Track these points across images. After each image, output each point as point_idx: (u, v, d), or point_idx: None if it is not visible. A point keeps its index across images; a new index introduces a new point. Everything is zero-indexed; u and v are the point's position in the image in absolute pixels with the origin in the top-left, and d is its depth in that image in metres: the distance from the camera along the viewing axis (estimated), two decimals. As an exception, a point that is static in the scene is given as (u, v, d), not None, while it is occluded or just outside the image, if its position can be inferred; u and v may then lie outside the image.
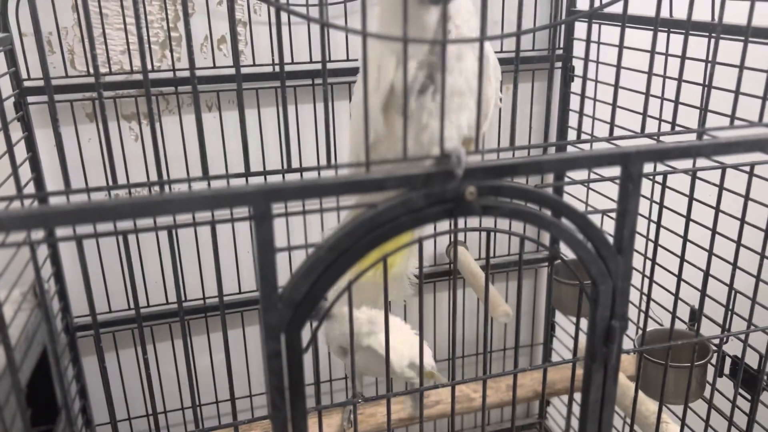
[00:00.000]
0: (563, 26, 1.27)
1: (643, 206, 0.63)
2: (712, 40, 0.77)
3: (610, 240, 0.61)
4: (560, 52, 1.27)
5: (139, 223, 0.53)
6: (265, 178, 0.52)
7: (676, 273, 0.87)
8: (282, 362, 0.56)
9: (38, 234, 0.56)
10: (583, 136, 1.18)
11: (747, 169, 0.78)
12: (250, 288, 1.28)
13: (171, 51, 1.12)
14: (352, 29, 0.51)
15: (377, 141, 0.67)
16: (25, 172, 1.03)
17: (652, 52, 0.77)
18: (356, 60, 1.17)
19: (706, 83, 0.78)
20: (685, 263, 0.85)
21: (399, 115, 0.64)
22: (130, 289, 1.11)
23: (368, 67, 0.53)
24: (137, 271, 1.16)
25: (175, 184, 0.96)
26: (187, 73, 1.12)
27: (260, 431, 1.00)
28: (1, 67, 0.99)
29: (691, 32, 0.79)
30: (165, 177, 1.08)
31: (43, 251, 1.09)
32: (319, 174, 0.61)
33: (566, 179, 1.12)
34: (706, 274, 0.87)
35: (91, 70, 1.08)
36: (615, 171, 0.59)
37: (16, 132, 1.01)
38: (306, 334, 0.55)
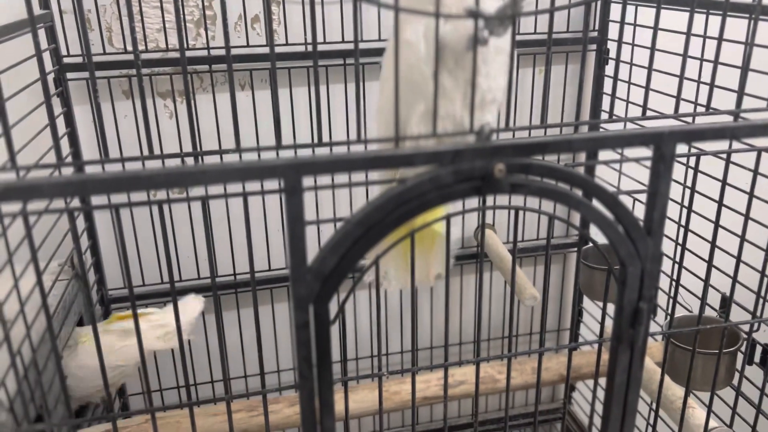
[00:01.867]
0: (598, 8, 1.25)
1: (674, 190, 0.62)
2: (751, 22, 0.75)
3: (640, 221, 0.61)
4: (595, 34, 1.25)
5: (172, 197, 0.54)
6: (296, 153, 0.53)
7: (707, 259, 0.86)
8: (310, 333, 0.57)
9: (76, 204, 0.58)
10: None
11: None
12: (279, 265, 1.30)
13: (206, 29, 1.13)
14: (384, 3, 0.52)
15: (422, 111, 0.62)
16: (64, 148, 1.06)
17: (688, 33, 0.76)
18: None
19: (743, 66, 0.77)
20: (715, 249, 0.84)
21: (449, 72, 0.59)
22: (164, 261, 1.13)
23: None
24: (170, 246, 1.19)
25: (208, 156, 0.97)
26: (220, 52, 1.13)
27: (287, 404, 1.02)
28: (42, 43, 1.01)
29: (729, 14, 0.77)
30: (198, 141, 1.10)
31: (79, 225, 1.12)
32: (348, 149, 0.61)
33: (597, 160, 1.11)
34: (738, 260, 0.86)
35: (129, 48, 1.11)
36: (646, 152, 0.59)
37: (56, 108, 1.04)
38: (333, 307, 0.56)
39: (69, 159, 1.06)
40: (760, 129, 0.59)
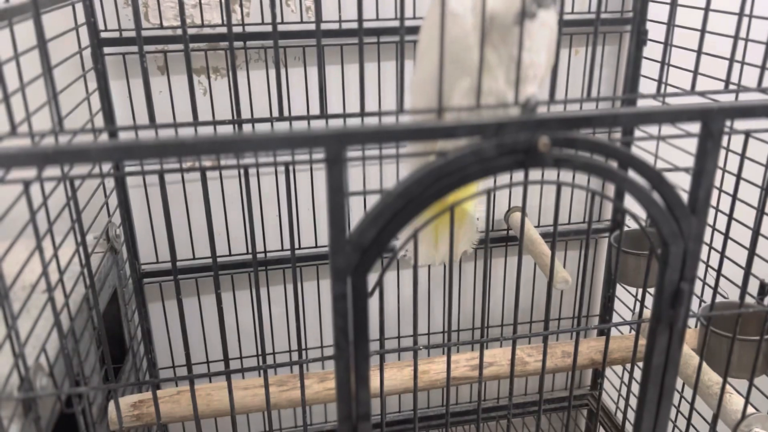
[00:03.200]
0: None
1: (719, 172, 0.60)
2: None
3: (684, 199, 0.60)
4: (631, 14, 1.23)
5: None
6: (345, 121, 0.53)
7: (748, 246, 0.84)
8: (347, 305, 0.57)
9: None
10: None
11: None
12: (326, 242, 1.30)
13: (241, 6, 1.13)
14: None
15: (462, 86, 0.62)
16: (100, 123, 1.07)
17: (740, 14, 0.74)
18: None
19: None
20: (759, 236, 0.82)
21: (494, 47, 0.59)
22: (197, 236, 1.13)
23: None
24: (207, 221, 1.20)
25: (250, 124, 0.96)
26: (255, 29, 1.13)
27: (317, 379, 1.03)
28: (79, 17, 1.02)
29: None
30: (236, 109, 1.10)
31: (111, 201, 1.13)
32: (397, 119, 0.60)
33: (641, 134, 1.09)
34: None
35: (165, 23, 1.11)
36: (694, 127, 0.57)
37: (92, 83, 1.05)
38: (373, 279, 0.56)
39: (105, 134, 1.08)
40: (813, 106, 0.57)
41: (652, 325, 0.65)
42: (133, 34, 1.10)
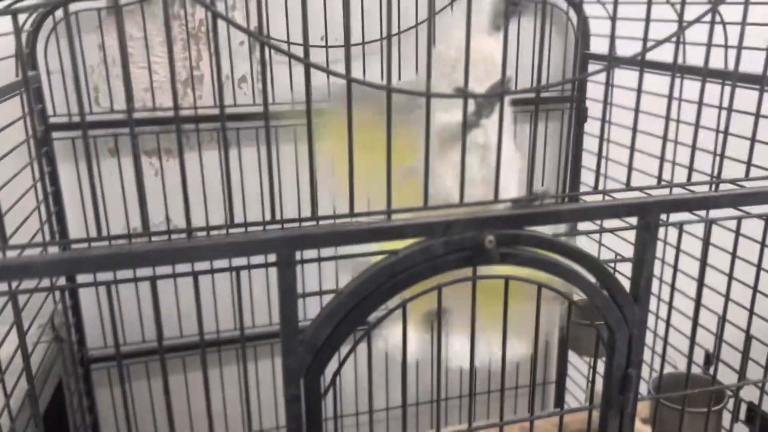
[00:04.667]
0: (577, 67, 1.29)
1: (660, 248, 0.62)
2: (727, 88, 0.78)
3: (627, 287, 0.62)
4: (573, 94, 1.29)
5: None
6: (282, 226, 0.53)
7: (692, 317, 0.86)
8: (301, 406, 0.56)
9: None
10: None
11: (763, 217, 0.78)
12: (263, 322, 1.29)
13: (193, 90, 1.14)
14: (375, 84, 0.53)
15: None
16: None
17: (670, 97, 0.78)
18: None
19: (722, 130, 0.79)
20: (701, 308, 0.85)
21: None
22: (147, 319, 1.10)
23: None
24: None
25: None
26: (207, 111, 1.14)
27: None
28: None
29: (708, 79, 0.80)
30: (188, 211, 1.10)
31: (61, 281, 1.10)
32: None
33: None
34: (722, 320, 0.87)
35: (116, 107, 1.11)
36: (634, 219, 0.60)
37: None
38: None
39: (54, 219, 1.06)
40: (740, 198, 0.61)
41: (602, 411, 0.66)
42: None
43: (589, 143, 1.29)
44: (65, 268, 0.46)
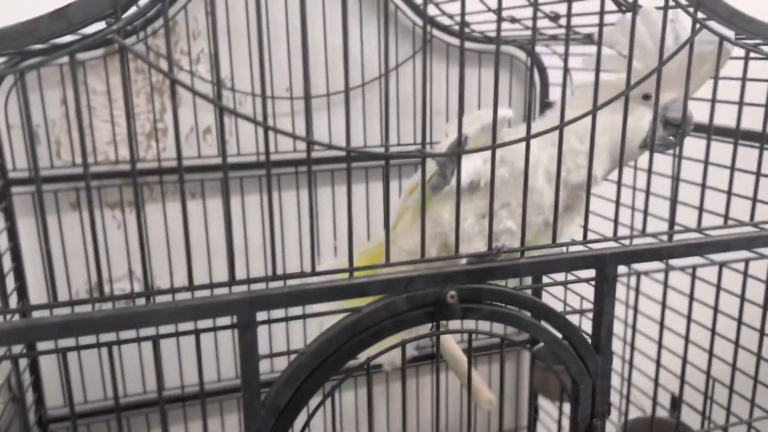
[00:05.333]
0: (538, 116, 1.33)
1: (621, 292, 0.64)
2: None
3: (589, 339, 0.63)
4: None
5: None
6: (249, 287, 0.52)
7: (656, 360, 0.88)
8: (264, 472, 0.55)
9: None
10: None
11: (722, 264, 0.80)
12: (228, 376, 1.26)
13: (156, 142, 1.14)
14: (336, 146, 0.54)
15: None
16: (6, 262, 1.03)
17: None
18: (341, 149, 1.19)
19: (674, 176, 0.81)
20: (665, 352, 0.86)
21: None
22: (110, 381, 1.07)
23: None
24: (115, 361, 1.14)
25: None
26: (171, 163, 1.14)
27: None
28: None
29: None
30: (149, 270, 1.09)
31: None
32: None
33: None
34: (683, 362, 0.88)
35: (77, 161, 1.10)
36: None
37: (-1, 222, 1.02)
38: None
39: (11, 274, 1.03)
40: (693, 248, 0.62)
41: (570, 462, 0.66)
42: (46, 172, 1.08)
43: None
44: (21, 336, 0.45)
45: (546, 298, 1.36)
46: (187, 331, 0.54)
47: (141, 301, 0.51)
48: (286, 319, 0.59)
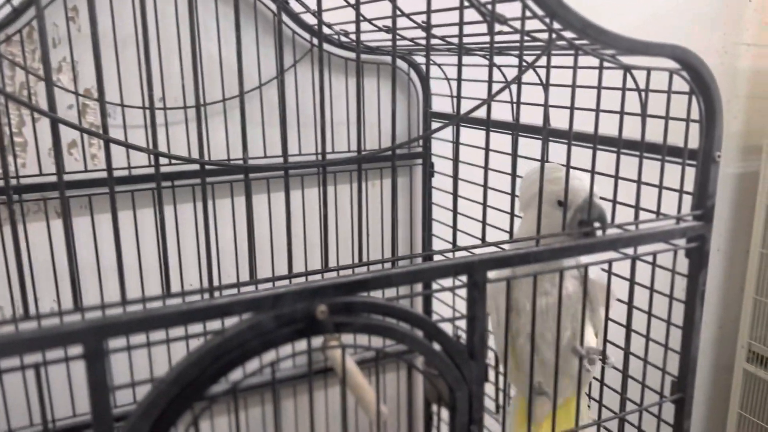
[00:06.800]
0: (421, 124, 1.34)
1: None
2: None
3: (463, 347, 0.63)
4: (420, 149, 1.34)
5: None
6: (104, 312, 0.48)
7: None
8: None
9: None
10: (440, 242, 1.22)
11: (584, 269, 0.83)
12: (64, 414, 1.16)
13: (14, 156, 1.05)
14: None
15: None
16: None
17: (487, 151, 0.82)
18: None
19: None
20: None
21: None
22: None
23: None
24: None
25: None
26: (30, 180, 1.05)
27: None
28: None
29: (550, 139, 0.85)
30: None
31: None
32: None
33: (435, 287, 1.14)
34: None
35: None
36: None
37: None
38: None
39: None
40: (557, 252, 0.64)
41: (451, 472, 0.66)
42: None
43: (437, 197, 1.34)
44: None
45: (439, 308, 1.37)
46: (30, 364, 0.48)
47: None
48: (148, 345, 0.55)
